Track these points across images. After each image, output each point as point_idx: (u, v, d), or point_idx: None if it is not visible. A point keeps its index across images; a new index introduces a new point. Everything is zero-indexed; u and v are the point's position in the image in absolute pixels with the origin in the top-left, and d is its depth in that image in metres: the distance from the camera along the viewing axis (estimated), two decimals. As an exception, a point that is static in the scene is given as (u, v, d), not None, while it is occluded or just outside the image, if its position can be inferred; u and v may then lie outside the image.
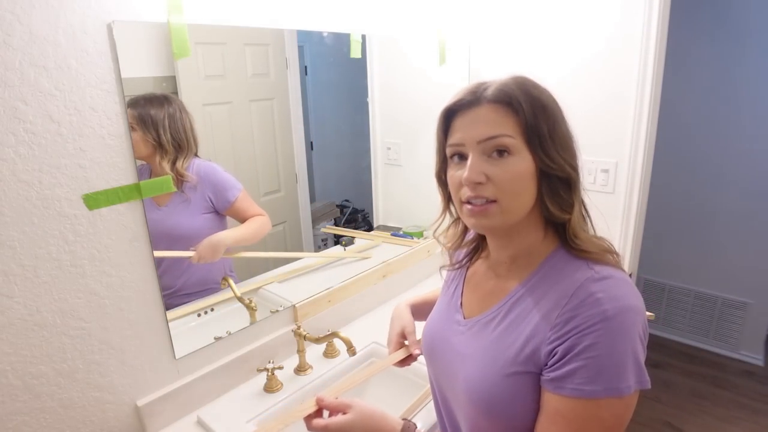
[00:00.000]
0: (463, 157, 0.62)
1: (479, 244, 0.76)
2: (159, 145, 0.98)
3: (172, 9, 0.90)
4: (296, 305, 1.27)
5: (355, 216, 1.66)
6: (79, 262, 0.86)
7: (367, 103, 1.55)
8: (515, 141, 0.59)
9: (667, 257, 2.71)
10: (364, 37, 1.34)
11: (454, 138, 0.62)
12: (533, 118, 0.59)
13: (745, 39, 2.29)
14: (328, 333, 1.16)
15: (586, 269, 0.58)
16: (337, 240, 1.55)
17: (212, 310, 1.15)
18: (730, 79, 2.36)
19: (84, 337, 0.89)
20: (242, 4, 1.02)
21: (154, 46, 0.93)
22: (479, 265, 0.75)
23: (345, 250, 1.54)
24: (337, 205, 1.63)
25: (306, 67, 1.34)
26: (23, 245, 0.80)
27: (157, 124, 0.96)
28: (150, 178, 0.96)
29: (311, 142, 1.44)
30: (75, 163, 0.83)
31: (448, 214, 0.74)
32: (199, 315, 1.12)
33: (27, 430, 0.86)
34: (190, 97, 1.04)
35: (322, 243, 1.55)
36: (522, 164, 0.59)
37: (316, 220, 1.49)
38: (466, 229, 0.75)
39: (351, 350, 1.10)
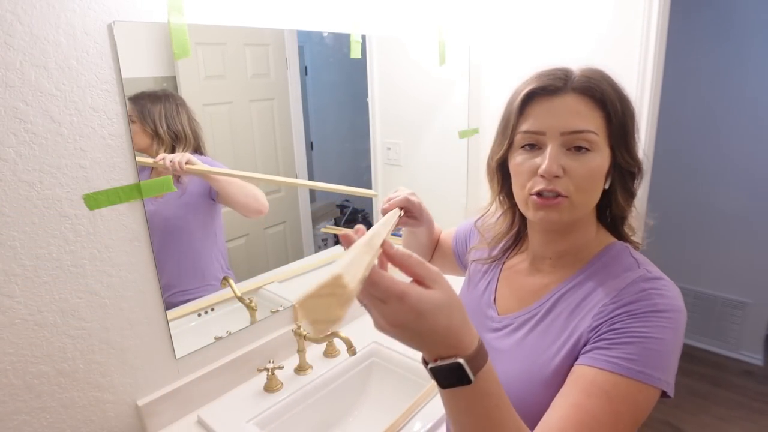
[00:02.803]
0: (535, 146, 0.59)
1: (518, 238, 0.73)
2: (156, 135, 1.00)
3: (172, 9, 0.90)
4: (296, 305, 1.27)
5: (355, 216, 1.66)
6: (80, 261, 0.87)
7: (367, 103, 1.55)
8: (598, 138, 0.57)
9: (667, 257, 2.70)
10: (364, 37, 1.34)
11: (532, 125, 0.59)
12: (622, 117, 0.58)
13: (744, 39, 2.29)
14: (328, 333, 1.16)
15: (637, 268, 0.58)
16: (337, 240, 1.55)
17: (212, 309, 1.15)
18: (730, 79, 2.36)
19: (84, 336, 0.89)
20: (242, 4, 1.02)
21: (154, 47, 0.94)
22: (517, 260, 0.72)
23: (345, 249, 1.54)
24: (337, 205, 1.63)
25: (306, 67, 1.34)
26: (24, 245, 0.80)
27: (154, 115, 0.99)
28: (151, 176, 0.97)
29: (311, 142, 1.44)
30: (75, 163, 0.83)
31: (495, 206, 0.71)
32: (199, 315, 1.13)
33: (28, 430, 0.86)
34: (190, 97, 1.04)
35: (323, 243, 1.55)
36: (600, 161, 0.58)
37: (316, 220, 1.49)
38: (512, 224, 0.72)
39: (351, 350, 1.10)
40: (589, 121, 0.57)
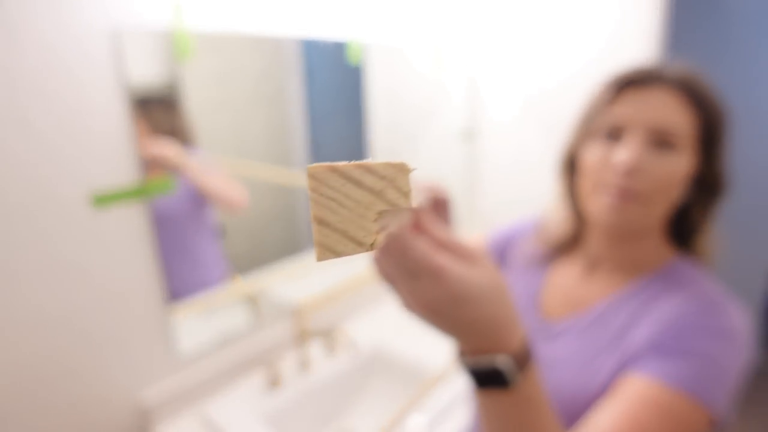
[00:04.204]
0: (617, 138, 0.55)
1: (573, 241, 0.67)
2: (154, 131, 1.02)
3: (175, 15, 0.92)
4: (298, 303, 1.29)
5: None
6: (83, 260, 0.88)
7: (366, 108, 1.57)
8: (685, 139, 0.53)
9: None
10: (363, 43, 1.36)
11: (620, 113, 0.54)
12: (715, 121, 0.54)
13: (744, 39, 2.31)
14: (330, 331, 1.17)
15: (703, 286, 0.55)
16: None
17: (215, 307, 1.17)
18: (726, 79, 2.38)
19: (87, 334, 0.91)
20: (245, 11, 1.05)
21: (157, 51, 0.95)
22: (568, 263, 0.66)
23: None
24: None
25: (307, 72, 1.36)
26: (26, 245, 0.82)
27: (152, 112, 1.02)
28: (146, 174, 0.99)
29: (312, 146, 1.46)
30: (79, 165, 0.85)
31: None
32: (202, 312, 1.14)
33: (30, 428, 0.87)
34: (193, 101, 1.06)
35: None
36: (683, 164, 0.53)
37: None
38: (572, 223, 0.65)
39: (352, 348, 1.11)
40: (680, 118, 0.52)
